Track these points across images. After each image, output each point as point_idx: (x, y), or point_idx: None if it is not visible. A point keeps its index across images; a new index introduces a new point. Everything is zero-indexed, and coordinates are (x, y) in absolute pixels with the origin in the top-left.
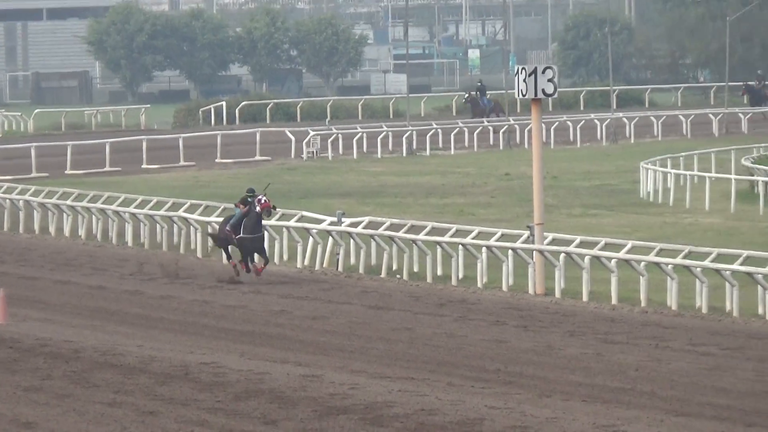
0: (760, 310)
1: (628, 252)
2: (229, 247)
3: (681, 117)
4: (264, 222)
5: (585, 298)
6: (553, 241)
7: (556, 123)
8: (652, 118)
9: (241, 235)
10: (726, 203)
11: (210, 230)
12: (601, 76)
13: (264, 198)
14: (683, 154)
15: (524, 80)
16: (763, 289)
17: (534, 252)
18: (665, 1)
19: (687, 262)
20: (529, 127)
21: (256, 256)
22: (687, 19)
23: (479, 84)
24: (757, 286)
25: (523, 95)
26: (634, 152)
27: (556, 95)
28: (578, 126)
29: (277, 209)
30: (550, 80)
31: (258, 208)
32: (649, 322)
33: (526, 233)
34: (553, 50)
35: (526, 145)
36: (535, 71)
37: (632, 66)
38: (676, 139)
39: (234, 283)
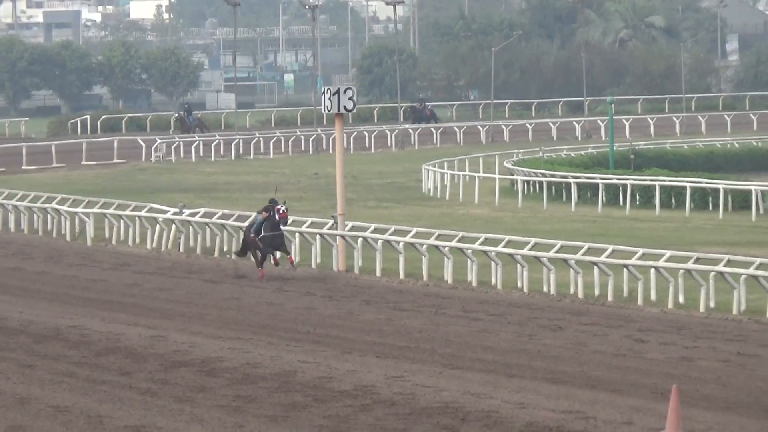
0: (519, 284)
1: (412, 237)
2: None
3: (455, 128)
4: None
5: (378, 273)
6: (353, 228)
7: (355, 133)
8: (432, 128)
9: (264, 233)
10: (491, 197)
11: (235, 250)
12: (391, 95)
13: (283, 208)
14: (457, 158)
15: (329, 98)
16: (521, 267)
17: (337, 237)
18: (442, 34)
19: (460, 245)
20: (333, 136)
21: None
22: (460, 49)
23: (186, 106)
24: (517, 265)
25: (329, 111)
26: (417, 157)
27: (354, 110)
28: (372, 135)
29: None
30: (350, 98)
31: (277, 217)
32: (430, 294)
33: (331, 221)
34: (352, 74)
35: (330, 151)
36: (338, 91)
37: (416, 87)
38: (451, 146)
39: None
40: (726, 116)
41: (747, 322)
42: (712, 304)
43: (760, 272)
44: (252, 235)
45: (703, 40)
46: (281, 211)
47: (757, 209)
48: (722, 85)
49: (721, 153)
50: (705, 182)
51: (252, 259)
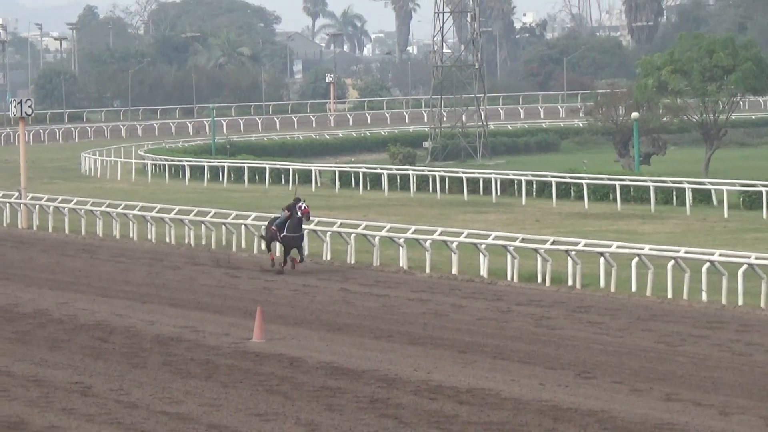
0: (149, 236)
1: (75, 204)
2: (273, 243)
3: (104, 127)
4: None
5: (51, 230)
6: (33, 198)
7: (34, 131)
8: (87, 127)
9: (285, 233)
10: (130, 176)
11: (263, 233)
12: (59, 104)
13: (304, 205)
14: (105, 147)
15: (15, 107)
16: (151, 224)
17: (21, 204)
18: (95, 60)
19: (109, 209)
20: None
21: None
22: (107, 71)
23: None
24: (147, 223)
25: (15, 115)
26: (79, 147)
27: (33, 114)
28: (46, 132)
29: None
30: (29, 107)
31: (299, 213)
32: (87, 244)
33: (17, 193)
34: (31, 90)
35: (16, 143)
36: (21, 102)
37: (77, 98)
38: (101, 140)
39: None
40: (294, 117)
41: (337, 265)
42: (329, 256)
43: (367, 231)
44: (273, 228)
45: (277, 64)
46: (302, 208)
47: (317, 185)
48: (291, 95)
49: (290, 143)
50: (279, 164)
51: (263, 246)
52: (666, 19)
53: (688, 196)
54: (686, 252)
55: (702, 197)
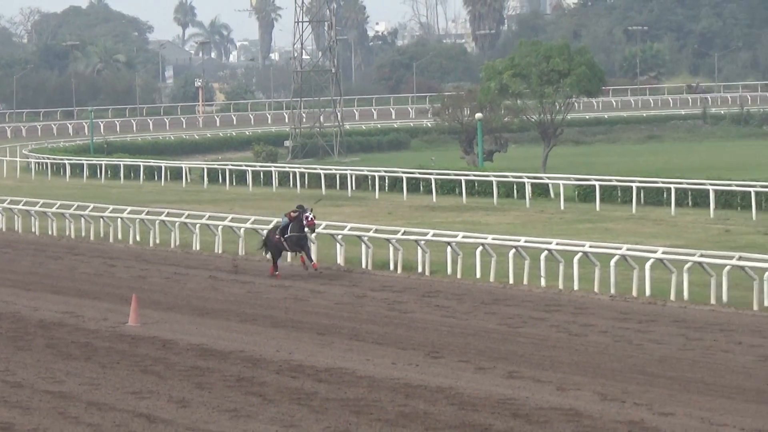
0: (33, 229)
1: None
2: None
3: None
4: None
5: None
6: None
7: None
8: None
9: (289, 234)
10: (15, 173)
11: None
12: None
13: (311, 216)
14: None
15: None
16: (34, 218)
17: None
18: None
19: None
20: None
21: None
22: None
23: None
24: (31, 217)
25: None
26: None
27: None
28: None
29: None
30: None
31: (305, 222)
32: (32, 241)
33: None
34: None
35: None
36: None
37: None
38: None
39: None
40: (166, 119)
41: (206, 255)
42: (198, 247)
43: (233, 223)
44: (277, 236)
45: (150, 70)
46: (309, 219)
47: (187, 181)
48: (163, 99)
49: (162, 143)
50: (152, 162)
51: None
52: (507, 28)
53: (528, 189)
54: (526, 241)
55: (540, 191)
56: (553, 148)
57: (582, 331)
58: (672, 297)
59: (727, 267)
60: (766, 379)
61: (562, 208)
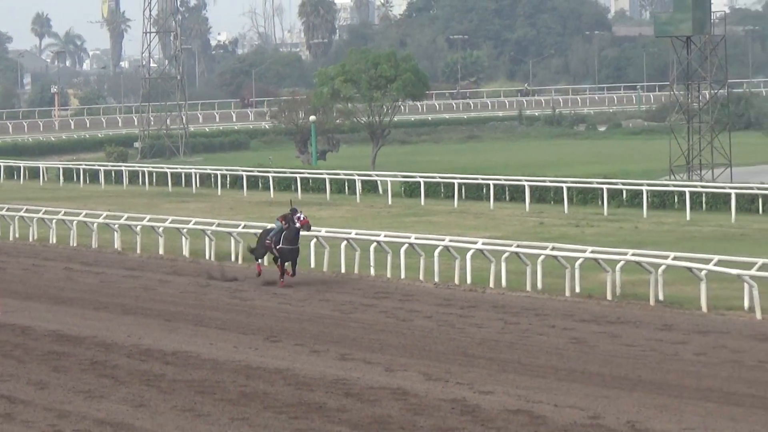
0: None
1: None
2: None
3: None
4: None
5: None
6: None
7: None
8: None
9: (281, 246)
10: None
11: (249, 247)
12: None
13: (303, 215)
14: None
15: None
16: None
17: None
18: None
19: None
20: None
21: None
22: None
23: None
24: None
25: None
26: None
27: None
28: None
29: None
30: None
31: (298, 224)
32: None
33: None
34: None
35: None
36: None
37: None
38: None
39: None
40: (24, 122)
41: (62, 248)
42: (55, 240)
43: (87, 218)
44: (268, 241)
45: (9, 77)
46: (301, 219)
47: (45, 179)
48: (21, 104)
49: (21, 144)
50: (11, 162)
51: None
52: (339, 37)
53: (358, 186)
54: (357, 233)
55: (370, 187)
56: (382, 147)
57: (408, 317)
58: (491, 284)
59: (542, 257)
60: (577, 360)
61: (390, 203)
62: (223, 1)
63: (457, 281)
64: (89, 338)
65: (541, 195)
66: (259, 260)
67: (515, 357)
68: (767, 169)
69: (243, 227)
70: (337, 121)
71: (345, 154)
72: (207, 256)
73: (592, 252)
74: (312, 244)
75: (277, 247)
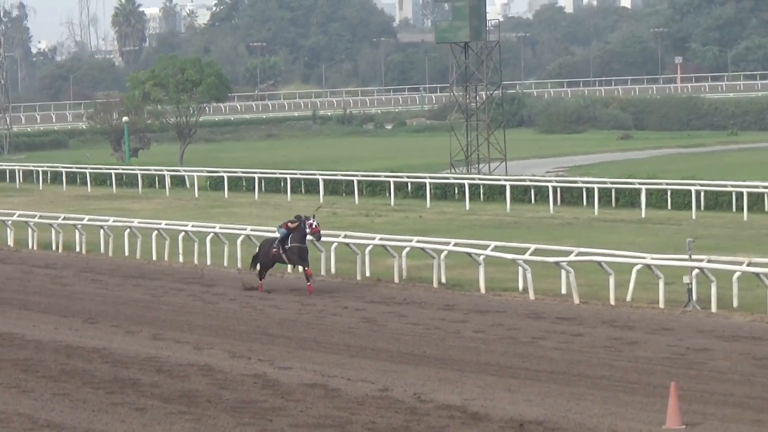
0: None
1: None
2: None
3: None
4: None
5: None
6: None
7: None
8: None
9: (290, 245)
10: None
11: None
12: None
13: (315, 223)
14: None
15: None
16: None
17: None
18: None
19: None
20: None
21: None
22: None
23: None
24: None
25: None
26: None
27: None
28: None
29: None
30: None
31: (308, 231)
32: None
33: None
34: None
35: None
36: None
37: None
38: None
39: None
40: None
41: None
42: None
43: None
44: (275, 249)
45: None
46: (314, 227)
47: None
48: None
49: None
50: None
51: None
52: (148, 44)
53: (168, 181)
54: (166, 224)
55: (178, 182)
56: (189, 145)
57: (214, 300)
58: (289, 269)
59: (335, 244)
60: (368, 338)
61: (197, 195)
62: (42, 12)
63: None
64: None
65: (334, 188)
66: (258, 273)
67: (312, 335)
68: (538, 163)
69: (63, 219)
70: (148, 121)
71: (155, 151)
72: (30, 246)
73: (381, 239)
74: (126, 234)
75: (286, 246)
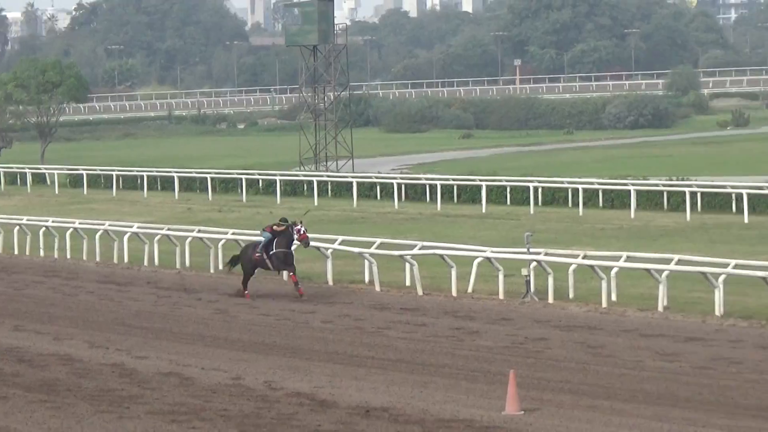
0: None
1: None
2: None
3: None
4: None
5: None
6: None
7: None
8: None
9: (275, 250)
10: None
11: (229, 262)
12: None
13: (303, 229)
14: None
15: None
16: None
17: None
18: None
19: None
20: None
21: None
22: None
23: None
24: None
25: None
26: None
27: None
28: None
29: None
30: None
31: (296, 237)
32: None
33: None
34: None
35: None
36: None
37: None
38: None
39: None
40: None
41: None
42: None
43: None
44: (257, 254)
45: None
46: (302, 233)
47: None
48: None
49: None
50: None
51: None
52: (11, 47)
53: (29, 178)
54: (28, 220)
55: (39, 179)
56: (49, 144)
57: (74, 292)
58: (145, 263)
59: (189, 238)
60: (221, 328)
61: (57, 192)
62: None
63: (115, 260)
64: None
65: (188, 185)
66: (242, 281)
67: (167, 326)
68: (384, 161)
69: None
70: (10, 121)
71: (17, 150)
72: None
73: (233, 234)
74: None
75: (271, 253)
